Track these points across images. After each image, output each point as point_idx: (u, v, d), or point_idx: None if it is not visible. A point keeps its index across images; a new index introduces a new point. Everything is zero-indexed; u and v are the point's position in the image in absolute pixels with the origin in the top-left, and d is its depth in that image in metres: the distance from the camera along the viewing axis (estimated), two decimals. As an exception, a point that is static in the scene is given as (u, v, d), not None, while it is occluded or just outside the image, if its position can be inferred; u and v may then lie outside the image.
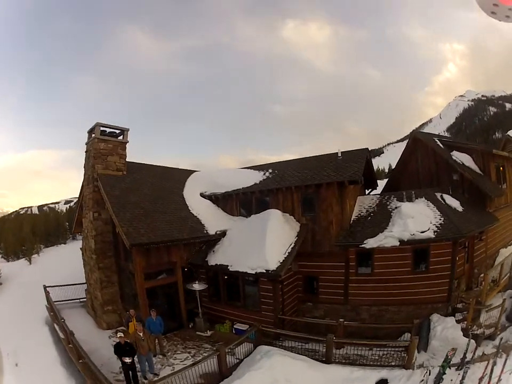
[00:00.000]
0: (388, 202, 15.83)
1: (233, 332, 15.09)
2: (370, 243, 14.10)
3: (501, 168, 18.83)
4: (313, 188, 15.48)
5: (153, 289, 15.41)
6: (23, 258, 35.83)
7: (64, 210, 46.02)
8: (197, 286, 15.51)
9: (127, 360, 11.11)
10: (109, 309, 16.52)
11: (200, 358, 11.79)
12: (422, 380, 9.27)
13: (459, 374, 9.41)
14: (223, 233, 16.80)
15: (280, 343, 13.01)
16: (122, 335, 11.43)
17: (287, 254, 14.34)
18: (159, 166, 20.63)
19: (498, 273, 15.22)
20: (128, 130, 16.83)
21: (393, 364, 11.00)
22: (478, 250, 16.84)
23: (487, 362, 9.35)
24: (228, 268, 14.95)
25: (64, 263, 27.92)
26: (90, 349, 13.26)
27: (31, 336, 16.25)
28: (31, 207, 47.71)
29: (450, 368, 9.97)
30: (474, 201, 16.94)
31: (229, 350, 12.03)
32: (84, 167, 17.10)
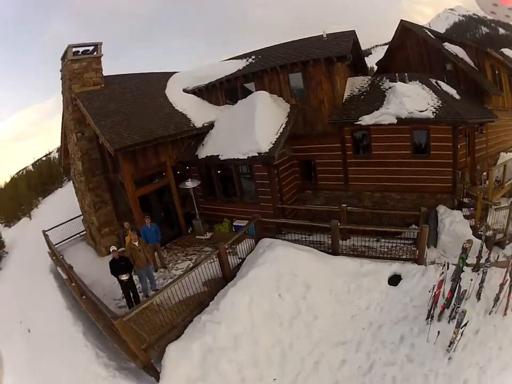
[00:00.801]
0: (380, 83, 15.11)
1: (233, 229, 14.85)
2: (366, 120, 13.57)
3: (496, 71, 17.88)
4: (299, 66, 14.67)
5: (146, 198, 15.03)
6: (24, 217, 35.53)
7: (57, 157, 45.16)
8: (189, 184, 14.97)
9: (124, 277, 10.59)
10: (106, 231, 16.27)
11: (198, 261, 11.47)
12: (442, 273, 8.63)
13: (478, 274, 8.69)
14: (210, 125, 16.23)
15: (282, 237, 12.65)
16: (115, 249, 10.83)
17: (278, 134, 13.84)
18: (139, 73, 19.59)
19: (502, 174, 14.68)
20: (101, 44, 15.91)
21: (404, 257, 10.60)
22: (479, 144, 16.26)
23: (505, 269, 8.50)
24: (219, 157, 14.39)
25: (63, 204, 27.59)
26: (92, 281, 13.15)
27: (35, 288, 16.25)
28: (26, 167, 47.04)
29: (467, 266, 9.21)
30: (470, 94, 16.10)
31: (230, 249, 11.88)
32: (62, 93, 16.48)
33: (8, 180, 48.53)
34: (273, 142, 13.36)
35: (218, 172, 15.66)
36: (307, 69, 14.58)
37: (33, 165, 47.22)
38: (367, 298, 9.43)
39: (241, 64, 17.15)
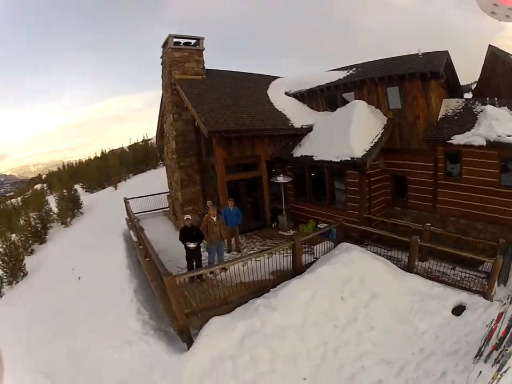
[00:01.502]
0: (472, 106, 14.54)
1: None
2: (458, 139, 13.01)
3: None
4: (396, 80, 14.45)
5: (236, 187, 15.19)
6: (109, 187, 37.79)
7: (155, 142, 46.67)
8: (281, 179, 15.03)
9: (191, 245, 10.63)
10: (188, 209, 16.25)
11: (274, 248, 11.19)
12: (504, 304, 8.14)
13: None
14: (309, 128, 16.08)
15: (364, 248, 12.09)
16: (190, 217, 10.99)
17: (373, 143, 13.47)
18: (240, 71, 19.99)
19: None
20: (203, 38, 16.45)
21: (474, 288, 9.81)
22: None
23: None
24: (313, 158, 14.27)
25: (151, 183, 28.52)
26: (162, 249, 13.31)
27: (103, 247, 17.12)
28: (121, 147, 49.15)
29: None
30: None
31: (308, 248, 11.79)
32: (162, 77, 17.17)
33: (99, 154, 50.61)
34: (367, 150, 13.07)
35: (312, 173, 15.57)
36: (403, 84, 14.39)
37: (128, 146, 48.79)
38: (427, 322, 8.80)
39: (341, 74, 17.11)
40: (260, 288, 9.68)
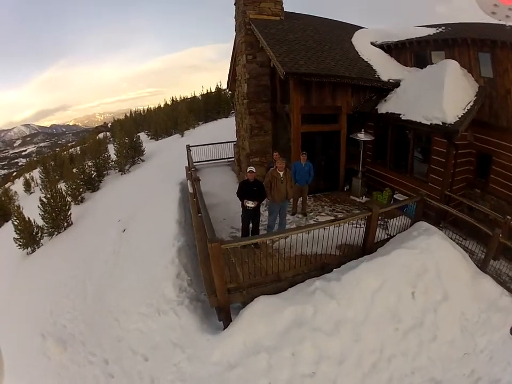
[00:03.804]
0: None
1: (392, 203, 12.64)
2: None
3: None
4: (488, 46, 12.36)
5: (310, 140, 13.49)
6: (176, 134, 37.67)
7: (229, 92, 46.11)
8: (362, 136, 13.19)
9: (250, 204, 9.03)
10: (255, 160, 14.93)
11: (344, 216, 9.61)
12: None
13: None
14: (396, 83, 13.98)
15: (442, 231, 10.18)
16: (253, 170, 9.27)
17: (466, 110, 11.39)
18: (323, 17, 18.43)
19: None
20: None
21: None
22: None
23: None
24: (400, 116, 12.27)
25: (220, 132, 27.38)
26: (218, 203, 12.74)
27: (157, 196, 16.19)
28: (193, 95, 48.87)
29: None
30: None
31: (381, 222, 9.86)
32: (235, 17, 15.74)
33: (169, 102, 50.64)
34: (460, 116, 11.03)
35: (395, 135, 13.73)
36: (495, 51, 12.27)
37: (201, 95, 48.35)
38: (488, 338, 7.13)
39: (431, 31, 15.17)
40: (321, 265, 8.06)
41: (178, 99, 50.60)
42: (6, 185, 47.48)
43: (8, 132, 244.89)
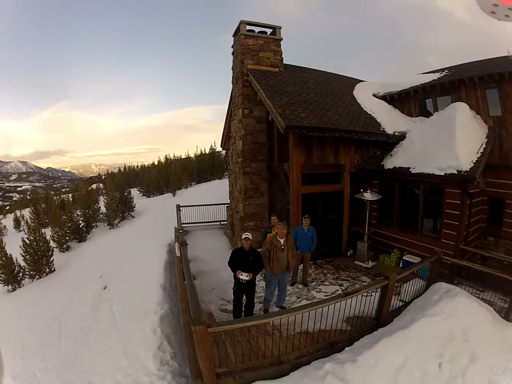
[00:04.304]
0: None
1: (401, 265, 11.62)
2: None
3: None
4: (495, 80, 11.84)
5: (311, 202, 12.34)
6: (168, 193, 36.90)
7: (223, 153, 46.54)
8: (368, 196, 12.13)
9: (244, 277, 7.73)
10: (250, 224, 13.88)
11: (355, 288, 8.51)
12: None
13: None
14: (402, 136, 13.15)
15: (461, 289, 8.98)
16: (249, 237, 8.02)
17: (479, 154, 10.75)
18: (323, 70, 17.74)
19: None
20: (280, 28, 14.23)
21: None
22: None
23: None
24: (410, 170, 11.48)
25: (212, 193, 26.64)
26: (207, 270, 11.83)
27: (143, 256, 15.25)
28: (187, 155, 48.93)
29: None
30: None
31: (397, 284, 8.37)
32: (232, 69, 15.01)
33: (163, 159, 50.71)
34: (474, 162, 10.36)
35: (403, 191, 12.74)
36: (503, 85, 11.83)
37: (195, 155, 48.30)
38: None
39: (435, 76, 14.72)
40: (329, 344, 6.67)
41: (172, 158, 50.64)
42: (-3, 218, 46.67)
43: (4, 164, 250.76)
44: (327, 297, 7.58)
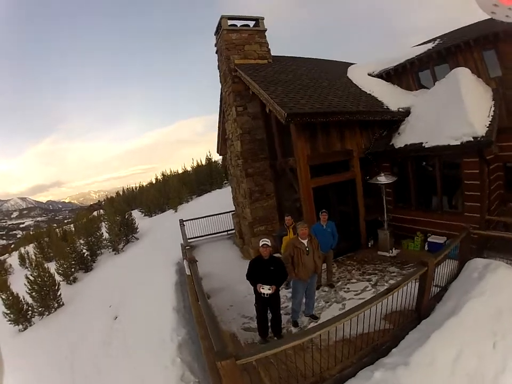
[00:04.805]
0: None
1: (426, 248, 10.76)
2: None
3: None
4: (491, 41, 11.41)
5: (323, 195, 11.45)
6: (169, 209, 36.14)
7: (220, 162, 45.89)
8: (383, 179, 11.21)
9: (266, 290, 6.64)
10: (260, 229, 12.87)
11: (390, 284, 7.56)
12: None
13: None
14: (406, 112, 12.35)
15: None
16: (268, 243, 6.90)
17: (490, 117, 10.07)
18: (310, 58, 16.94)
19: None
20: (263, 18, 13.45)
21: None
22: None
23: None
24: (423, 145, 10.63)
25: (214, 203, 25.74)
26: (222, 286, 10.75)
27: (151, 279, 14.43)
28: (184, 169, 48.69)
29: None
30: None
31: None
32: (218, 68, 14.17)
33: (160, 176, 50.22)
34: (487, 126, 9.68)
35: (417, 169, 11.86)
36: (498, 45, 11.39)
37: (192, 168, 47.65)
38: None
39: (428, 47, 14.06)
40: (372, 348, 5.83)
41: (169, 174, 50.00)
42: (2, 257, 46.28)
43: (4, 203, 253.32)
44: (363, 298, 6.86)
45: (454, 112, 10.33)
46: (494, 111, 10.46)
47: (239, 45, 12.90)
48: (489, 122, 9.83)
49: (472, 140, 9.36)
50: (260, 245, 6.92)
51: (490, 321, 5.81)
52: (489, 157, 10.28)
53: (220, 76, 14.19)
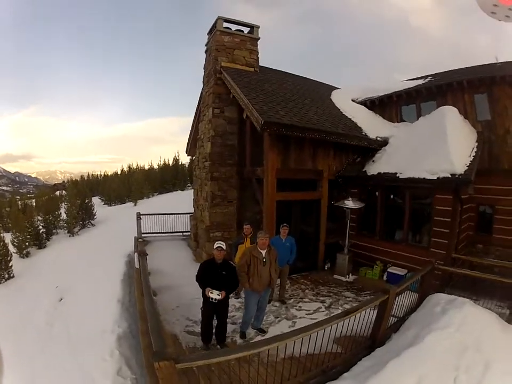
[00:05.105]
0: None
1: (385, 278, 10.80)
2: None
3: None
4: (485, 85, 11.63)
5: (285, 211, 11.12)
6: (129, 202, 35.92)
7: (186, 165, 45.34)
8: (350, 203, 11.11)
9: (216, 296, 6.23)
10: (216, 235, 12.37)
11: (344, 308, 7.57)
12: None
13: None
14: (384, 141, 12.34)
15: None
16: (223, 247, 6.57)
17: (472, 157, 10.18)
18: (297, 75, 16.95)
19: None
20: (258, 27, 13.34)
21: None
22: None
23: None
24: (397, 176, 10.64)
25: (174, 204, 25.44)
26: (170, 285, 10.43)
27: (101, 266, 14.21)
28: (152, 168, 48.07)
29: None
30: None
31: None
32: (204, 67, 13.95)
33: (126, 168, 49.63)
34: (468, 165, 9.78)
35: (386, 198, 11.93)
36: (492, 90, 11.65)
37: (158, 166, 47.19)
38: None
39: (418, 82, 14.19)
40: (321, 371, 5.45)
41: (135, 168, 49.43)
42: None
43: None
44: (315, 318, 6.77)
45: (435, 147, 10.39)
46: (476, 152, 10.52)
47: (229, 48, 12.74)
48: (470, 162, 9.88)
49: (450, 176, 9.40)
50: (215, 247, 6.58)
51: (453, 355, 5.65)
52: (464, 197, 10.31)
53: (203, 75, 13.97)
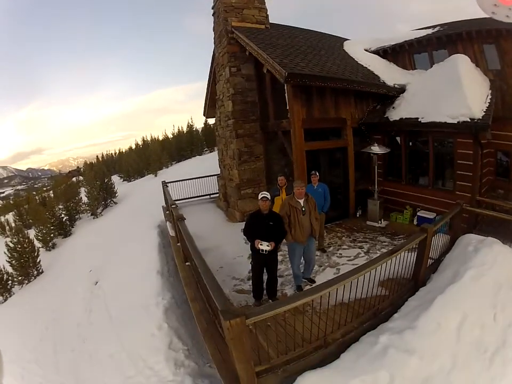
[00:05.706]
0: None
1: (416, 222, 10.65)
2: None
3: None
4: (493, 36, 11.40)
5: (314, 161, 11.02)
6: (148, 174, 36.07)
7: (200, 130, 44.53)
8: (377, 149, 10.93)
9: (265, 247, 6.11)
10: (247, 192, 12.62)
11: (395, 246, 6.93)
12: None
13: None
14: (402, 89, 12.16)
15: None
16: (267, 196, 6.44)
17: (487, 104, 9.89)
18: (306, 28, 16.57)
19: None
20: None
21: None
22: None
23: None
24: (418, 120, 10.42)
25: (195, 169, 24.98)
26: (209, 247, 9.72)
27: (133, 242, 13.87)
28: (167, 137, 47.97)
29: None
30: None
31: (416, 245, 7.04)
32: (213, 29, 13.84)
33: (140, 142, 49.45)
34: (485, 110, 9.52)
35: (410, 144, 11.78)
36: (500, 42, 11.40)
37: (172, 135, 47.10)
38: None
39: (428, 31, 13.94)
40: (373, 314, 5.61)
41: (149, 140, 48.99)
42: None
43: None
44: (356, 264, 6.76)
45: (452, 93, 10.21)
46: (491, 99, 10.34)
47: (238, 8, 12.53)
48: (486, 107, 9.74)
49: (469, 120, 9.25)
50: (259, 198, 6.48)
51: (490, 292, 5.68)
52: (483, 142, 10.15)
53: (214, 37, 13.82)
